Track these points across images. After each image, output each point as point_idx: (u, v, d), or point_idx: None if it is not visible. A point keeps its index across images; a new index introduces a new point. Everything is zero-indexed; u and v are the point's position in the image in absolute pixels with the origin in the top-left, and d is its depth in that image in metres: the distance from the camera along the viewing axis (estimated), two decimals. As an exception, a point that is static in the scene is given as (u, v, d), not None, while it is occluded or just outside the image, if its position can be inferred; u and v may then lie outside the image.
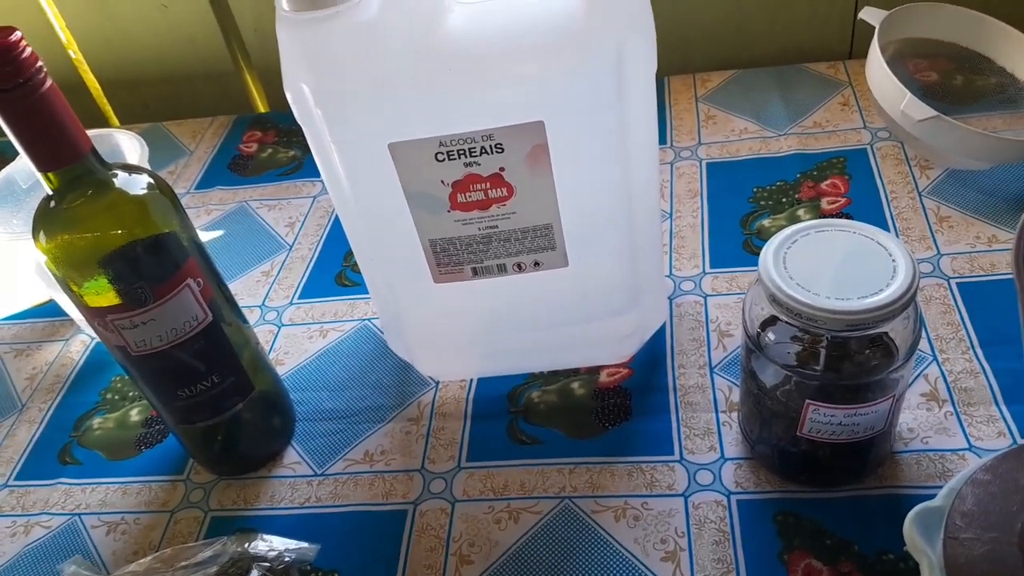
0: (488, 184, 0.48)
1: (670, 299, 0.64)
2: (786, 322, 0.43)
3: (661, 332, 0.61)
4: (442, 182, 0.48)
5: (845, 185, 0.70)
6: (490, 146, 0.46)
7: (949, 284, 0.60)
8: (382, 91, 0.45)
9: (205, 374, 0.52)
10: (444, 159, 0.47)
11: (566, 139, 0.47)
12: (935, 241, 0.63)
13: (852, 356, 0.44)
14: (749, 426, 0.52)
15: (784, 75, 0.84)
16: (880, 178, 0.70)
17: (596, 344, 0.59)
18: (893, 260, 0.42)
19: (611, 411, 0.57)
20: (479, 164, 0.47)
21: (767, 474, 0.51)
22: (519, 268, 0.52)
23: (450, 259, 0.51)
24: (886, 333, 0.44)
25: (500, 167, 0.47)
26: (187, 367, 0.51)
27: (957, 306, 0.58)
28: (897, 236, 0.63)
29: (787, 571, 0.47)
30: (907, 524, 0.32)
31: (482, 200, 0.49)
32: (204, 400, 0.53)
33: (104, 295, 0.47)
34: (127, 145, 0.71)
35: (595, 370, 0.60)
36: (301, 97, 0.46)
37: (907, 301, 0.41)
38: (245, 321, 0.57)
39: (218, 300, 0.52)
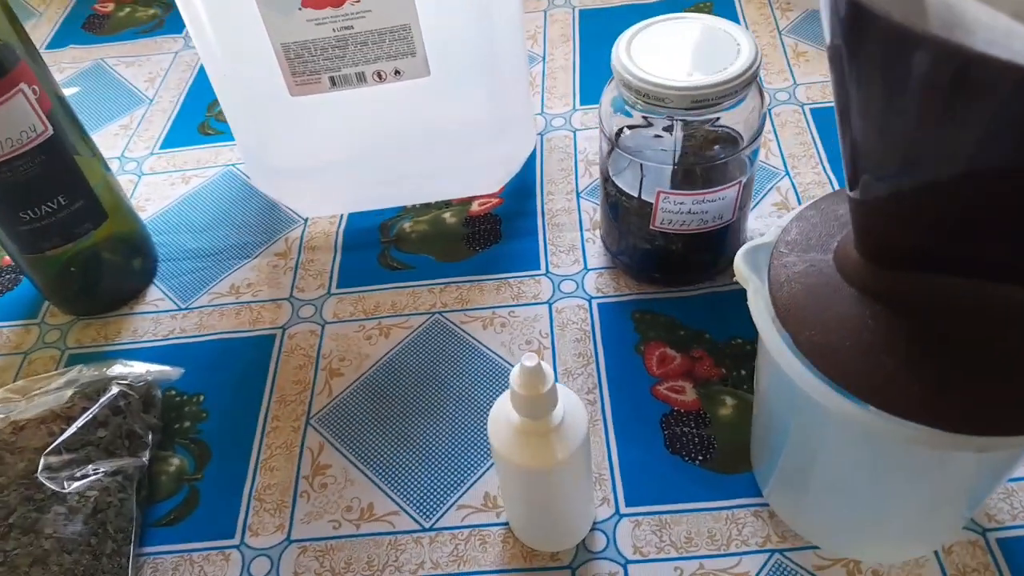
0: (339, -22, 0.46)
1: (541, 135, 0.64)
2: (638, 111, 0.44)
3: (531, 165, 0.62)
4: (290, -25, 0.46)
5: (711, 28, 0.71)
6: (339, -66, 0.45)
7: (803, 110, 0.63)
8: None
9: (49, 194, 0.49)
10: (290, -52, 0.45)
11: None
12: (792, 73, 0.66)
13: (701, 148, 0.46)
14: (608, 237, 0.53)
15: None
16: (743, 20, 0.71)
17: (466, 174, 0.59)
18: (737, 43, 0.44)
19: (481, 236, 0.58)
20: (328, -45, 0.45)
21: (626, 280, 0.53)
22: (379, 77, 0.50)
23: (305, 67, 0.50)
24: (733, 129, 0.46)
25: (351, -41, 0.46)
26: (29, 184, 0.48)
27: (809, 128, 0.61)
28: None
29: (643, 359, 0.49)
30: (737, 258, 0.34)
31: (334, -3, 0.47)
32: (51, 224, 0.50)
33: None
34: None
35: (467, 201, 0.60)
36: None
37: (750, 77, 0.42)
38: (95, 153, 0.54)
39: (59, 115, 0.49)
